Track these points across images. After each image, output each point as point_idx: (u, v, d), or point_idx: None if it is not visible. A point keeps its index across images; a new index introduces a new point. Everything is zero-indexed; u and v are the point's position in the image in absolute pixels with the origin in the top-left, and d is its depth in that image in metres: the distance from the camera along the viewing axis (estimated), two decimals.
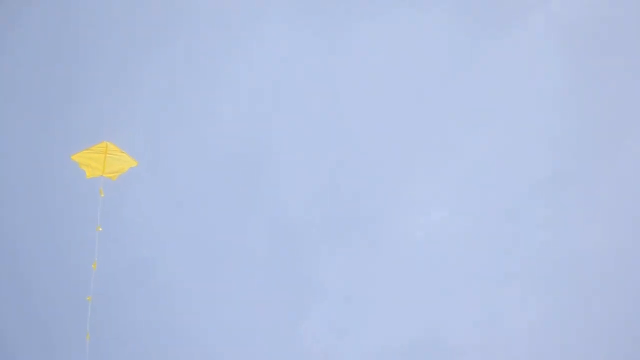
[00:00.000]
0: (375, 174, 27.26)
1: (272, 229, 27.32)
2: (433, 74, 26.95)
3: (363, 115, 27.35)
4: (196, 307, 27.00)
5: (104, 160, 18.20)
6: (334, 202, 27.34)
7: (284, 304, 26.91)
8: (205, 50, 27.60)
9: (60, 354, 26.48)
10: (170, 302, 27.04)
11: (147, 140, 27.40)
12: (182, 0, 27.61)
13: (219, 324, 26.87)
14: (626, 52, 26.06)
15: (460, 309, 26.10)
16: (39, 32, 27.54)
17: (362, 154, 27.38)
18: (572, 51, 26.36)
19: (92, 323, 22.02)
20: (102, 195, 18.30)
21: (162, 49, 27.49)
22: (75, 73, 27.41)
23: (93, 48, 27.44)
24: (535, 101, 26.62)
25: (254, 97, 27.63)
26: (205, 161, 27.50)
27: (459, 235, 26.61)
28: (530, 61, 26.58)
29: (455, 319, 26.02)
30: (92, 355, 22.80)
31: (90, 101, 27.31)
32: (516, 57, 26.66)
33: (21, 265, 27.17)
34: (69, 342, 26.00)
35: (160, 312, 26.94)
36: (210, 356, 26.65)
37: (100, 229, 18.73)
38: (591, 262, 25.54)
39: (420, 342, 25.98)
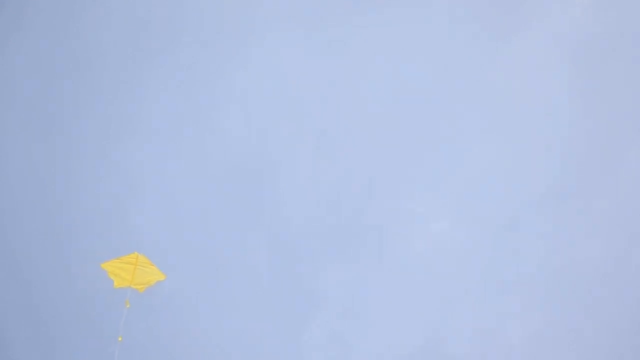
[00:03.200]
0: (376, 187, 26.84)
1: (274, 241, 26.90)
2: (434, 87, 26.31)
3: (364, 128, 26.64)
4: (198, 319, 26.69)
5: (133, 272, 16.94)
6: (335, 214, 26.89)
7: (285, 315, 26.93)
8: (207, 63, 26.50)
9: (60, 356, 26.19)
10: (173, 313, 26.61)
11: (149, 154, 26.68)
12: (184, 12, 26.24)
13: (221, 336, 26.70)
14: (627, 66, 25.88)
15: (460, 319, 26.73)
16: (42, 44, 26.22)
17: (362, 166, 26.78)
18: (574, 65, 26.07)
19: (94, 332, 21.83)
20: (128, 306, 17.22)
21: (165, 61, 26.50)
22: (78, 84, 26.32)
23: (96, 59, 26.34)
24: (536, 115, 26.37)
25: (255, 109, 26.73)
26: (207, 174, 26.81)
27: (459, 247, 26.81)
28: (532, 75, 26.20)
29: (456, 329, 26.71)
30: None
31: (93, 112, 26.51)
32: (518, 71, 26.25)
33: (23, 267, 26.61)
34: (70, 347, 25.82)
35: (163, 323, 26.53)
36: None
37: (121, 339, 17.78)
38: (590, 274, 26.15)
39: (420, 352, 26.68)
